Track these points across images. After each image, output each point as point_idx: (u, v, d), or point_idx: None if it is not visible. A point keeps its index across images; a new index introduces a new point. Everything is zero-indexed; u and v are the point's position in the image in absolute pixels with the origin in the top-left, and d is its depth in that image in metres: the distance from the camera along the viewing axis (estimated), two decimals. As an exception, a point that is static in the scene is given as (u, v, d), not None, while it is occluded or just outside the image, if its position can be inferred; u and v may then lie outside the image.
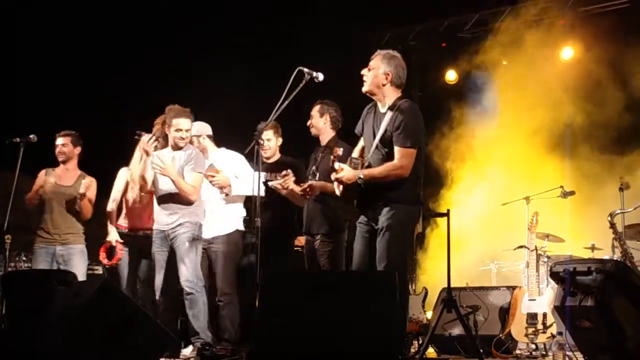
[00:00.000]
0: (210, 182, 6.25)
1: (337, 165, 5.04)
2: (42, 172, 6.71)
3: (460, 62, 10.02)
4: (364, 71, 5.20)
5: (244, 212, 6.48)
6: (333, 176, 5.07)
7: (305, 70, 5.17)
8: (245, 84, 9.26)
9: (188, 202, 6.02)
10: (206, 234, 6.26)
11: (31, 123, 6.63)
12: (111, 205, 6.49)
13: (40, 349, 4.45)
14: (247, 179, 6.13)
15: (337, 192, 5.19)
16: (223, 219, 6.35)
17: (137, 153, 6.38)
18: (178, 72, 9.65)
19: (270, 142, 6.39)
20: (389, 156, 5.01)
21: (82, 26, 9.42)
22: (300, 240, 6.59)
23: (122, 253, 6.35)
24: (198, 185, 6.06)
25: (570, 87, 9.22)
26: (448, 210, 5.56)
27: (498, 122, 9.65)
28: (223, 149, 6.55)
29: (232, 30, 9.82)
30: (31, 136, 6.26)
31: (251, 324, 5.18)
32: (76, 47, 9.36)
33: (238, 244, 6.40)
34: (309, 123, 6.24)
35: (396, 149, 4.99)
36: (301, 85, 5.15)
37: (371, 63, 5.21)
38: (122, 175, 6.56)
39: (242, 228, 6.43)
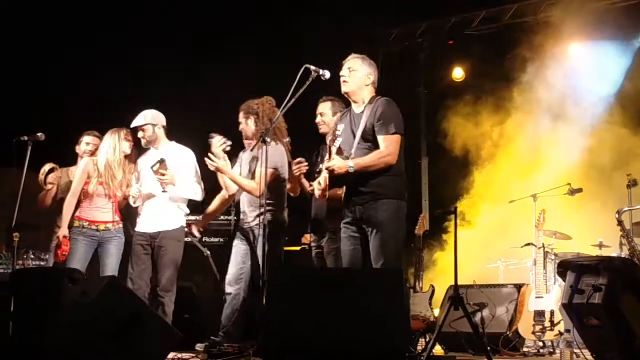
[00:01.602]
0: (159, 180, 6.14)
1: (336, 143, 5.00)
2: (58, 173, 6.76)
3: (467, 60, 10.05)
4: (345, 72, 5.22)
5: (187, 209, 6.43)
6: (324, 165, 5.07)
7: (312, 68, 5.17)
8: (252, 82, 9.25)
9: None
10: (150, 229, 6.22)
11: (37, 122, 6.62)
12: (70, 199, 6.36)
13: (48, 346, 4.47)
14: (191, 182, 6.23)
15: (317, 194, 5.20)
16: (168, 215, 6.26)
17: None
18: (182, 71, 9.67)
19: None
20: (373, 149, 5.06)
21: (86, 24, 9.47)
22: (308, 238, 6.58)
23: (67, 249, 6.26)
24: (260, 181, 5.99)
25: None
26: (455, 208, 5.56)
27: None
28: (174, 143, 6.46)
29: (237, 29, 9.83)
30: (39, 134, 6.27)
31: (258, 321, 5.19)
32: (77, 46, 9.40)
33: (182, 241, 6.35)
34: (318, 120, 6.14)
35: (381, 137, 5.04)
36: (308, 83, 5.15)
37: (351, 65, 5.24)
38: (83, 166, 6.44)
39: (185, 224, 6.37)
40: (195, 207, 6.65)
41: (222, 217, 7.71)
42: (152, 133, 6.38)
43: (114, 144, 6.37)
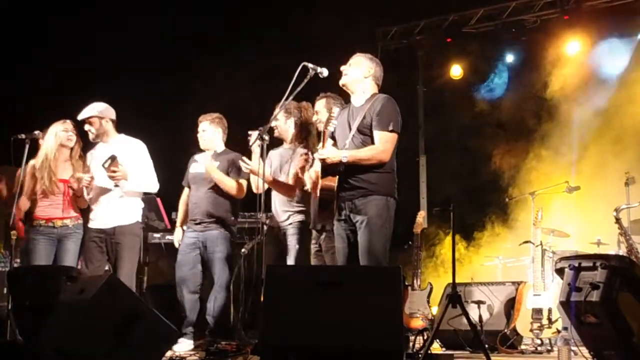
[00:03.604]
0: (111, 177, 6.07)
1: (330, 127, 4.98)
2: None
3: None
4: (344, 67, 5.21)
5: (142, 203, 6.42)
6: (317, 154, 5.05)
7: (310, 65, 5.15)
8: (250, 79, 9.26)
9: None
10: (104, 225, 6.17)
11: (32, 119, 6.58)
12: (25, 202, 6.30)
13: (47, 344, 4.47)
14: (144, 174, 6.20)
15: (308, 186, 5.19)
16: (123, 210, 6.21)
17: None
18: (182, 67, 9.67)
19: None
20: (368, 144, 5.04)
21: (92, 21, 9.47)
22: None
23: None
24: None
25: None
26: (452, 206, 5.54)
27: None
28: (123, 136, 6.40)
29: (235, 26, 9.83)
30: (36, 132, 6.24)
31: (256, 318, 5.20)
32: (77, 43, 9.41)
33: (139, 235, 6.34)
34: (315, 119, 6.11)
35: (378, 133, 5.02)
36: (305, 80, 5.14)
37: (352, 61, 5.24)
38: (28, 170, 6.32)
39: (141, 219, 6.36)
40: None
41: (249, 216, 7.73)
42: (100, 126, 6.28)
43: (53, 137, 6.24)
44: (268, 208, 6.18)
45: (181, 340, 6.14)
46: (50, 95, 8.91)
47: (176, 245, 6.63)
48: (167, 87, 9.76)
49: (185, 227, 6.62)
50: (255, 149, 5.81)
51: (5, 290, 5.84)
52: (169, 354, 5.15)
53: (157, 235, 7.77)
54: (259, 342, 4.58)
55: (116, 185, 6.13)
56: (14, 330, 5.54)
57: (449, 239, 9.17)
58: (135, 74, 9.27)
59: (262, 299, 4.52)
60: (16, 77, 9.10)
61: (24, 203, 6.25)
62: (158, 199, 7.08)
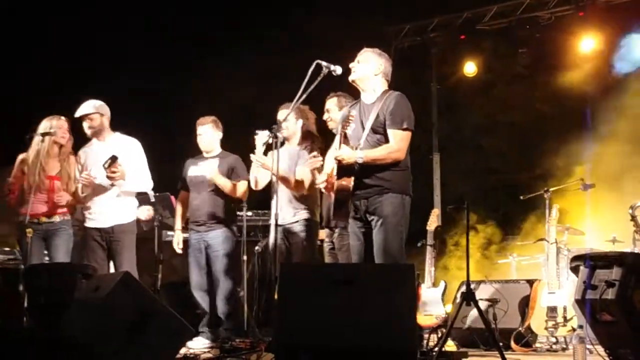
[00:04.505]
0: (110, 177, 6.09)
1: (349, 129, 4.98)
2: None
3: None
4: (353, 64, 5.19)
5: (137, 202, 6.46)
6: (333, 155, 5.04)
7: (324, 63, 5.13)
8: (263, 77, 9.27)
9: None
10: (103, 224, 6.22)
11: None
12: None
13: (62, 342, 4.49)
14: (140, 174, 6.25)
15: (322, 187, 5.19)
16: (120, 209, 6.27)
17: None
18: (192, 65, 9.69)
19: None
20: (382, 142, 5.03)
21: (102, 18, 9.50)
22: (322, 234, 6.59)
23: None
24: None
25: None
26: (466, 203, 5.53)
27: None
28: (118, 134, 6.42)
29: (249, 23, 9.84)
30: (51, 130, 6.26)
31: (269, 316, 5.22)
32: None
33: (135, 233, 6.38)
34: (326, 117, 6.13)
35: (392, 132, 5.00)
36: (319, 78, 5.12)
37: (361, 57, 5.21)
38: (17, 164, 6.36)
39: (135, 218, 6.40)
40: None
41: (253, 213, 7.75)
42: (100, 122, 6.29)
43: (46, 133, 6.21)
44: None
45: (196, 338, 6.17)
46: (50, 95, 8.94)
47: (175, 248, 6.68)
48: (167, 86, 9.80)
49: (188, 229, 6.68)
50: (260, 147, 5.83)
51: (21, 288, 5.86)
52: (183, 351, 5.16)
53: (170, 233, 7.77)
54: (272, 340, 4.59)
55: (112, 185, 6.16)
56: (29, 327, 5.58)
57: (463, 236, 9.14)
58: (134, 73, 9.30)
59: (275, 296, 4.53)
60: (16, 77, 9.13)
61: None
62: (172, 197, 7.10)
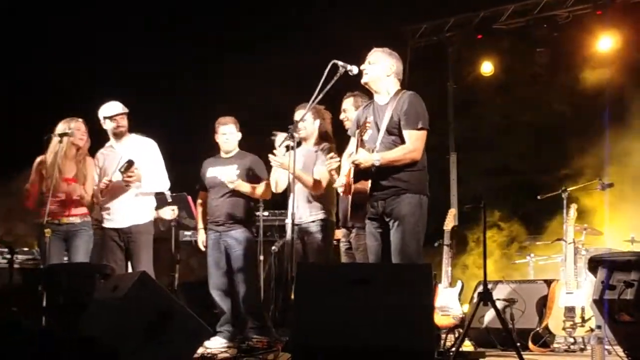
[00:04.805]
0: (127, 182, 6.17)
1: (365, 136, 4.97)
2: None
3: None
4: (365, 65, 5.17)
5: (154, 202, 6.51)
6: (350, 159, 5.04)
7: (340, 63, 5.13)
8: (281, 77, 9.28)
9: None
10: (121, 224, 6.29)
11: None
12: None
13: (80, 342, 4.52)
14: (156, 175, 6.30)
15: (340, 190, 5.19)
16: (137, 209, 6.33)
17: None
18: (211, 66, 9.73)
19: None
20: (398, 144, 5.03)
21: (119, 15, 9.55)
22: (338, 234, 6.60)
23: None
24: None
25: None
26: (483, 203, 5.52)
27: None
28: (134, 135, 6.46)
29: (266, 23, 9.86)
30: (69, 131, 6.30)
31: (286, 316, 5.23)
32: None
33: (152, 233, 6.43)
34: (342, 117, 6.14)
35: (407, 132, 5.00)
36: (335, 78, 5.13)
37: (372, 58, 5.19)
38: (35, 166, 6.37)
39: (152, 218, 6.47)
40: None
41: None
42: (126, 123, 6.35)
43: (64, 135, 6.23)
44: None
45: (214, 337, 6.20)
46: (50, 95, 9.00)
47: (201, 247, 6.70)
48: (183, 86, 9.85)
49: (207, 229, 6.70)
50: (279, 149, 5.84)
51: (40, 288, 5.91)
52: (200, 350, 5.18)
53: (187, 233, 7.83)
54: (289, 340, 4.59)
55: (127, 186, 6.21)
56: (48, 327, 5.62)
57: (479, 236, 9.11)
58: (150, 74, 9.35)
59: (292, 296, 4.53)
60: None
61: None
62: (189, 197, 7.12)
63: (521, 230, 9.22)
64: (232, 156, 6.65)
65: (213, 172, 6.62)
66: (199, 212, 6.80)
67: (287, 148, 5.68)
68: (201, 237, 6.73)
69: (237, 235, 6.50)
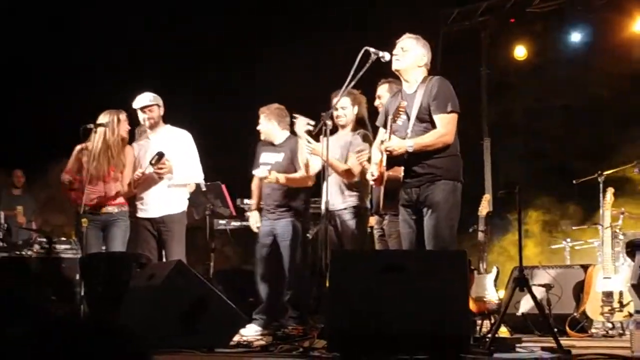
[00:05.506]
0: (158, 174, 6.17)
1: (399, 121, 4.94)
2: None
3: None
4: (397, 50, 5.12)
5: (187, 193, 6.50)
6: (382, 146, 5.00)
7: (372, 50, 5.10)
8: (311, 64, 9.28)
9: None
10: (154, 214, 6.31)
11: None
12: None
13: (118, 330, 4.58)
14: (190, 166, 6.29)
15: (371, 181, 5.16)
16: (170, 199, 6.33)
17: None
18: (243, 56, 9.76)
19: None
20: (430, 130, 4.99)
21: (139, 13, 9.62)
22: (371, 221, 6.59)
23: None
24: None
25: None
26: (518, 187, 5.46)
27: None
28: (169, 126, 6.46)
29: (296, 10, 9.87)
30: (105, 122, 6.33)
31: (321, 303, 5.23)
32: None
33: (185, 223, 6.43)
34: (377, 103, 6.09)
35: (438, 117, 4.96)
36: (367, 65, 5.11)
37: (404, 45, 5.13)
38: (75, 153, 6.40)
39: (185, 208, 6.45)
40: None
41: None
42: (158, 114, 6.36)
43: (113, 126, 6.25)
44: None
45: (249, 325, 6.23)
46: (105, 87, 9.08)
47: (254, 228, 6.70)
48: (216, 76, 9.89)
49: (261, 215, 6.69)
50: (301, 134, 5.86)
51: (77, 277, 5.99)
52: (236, 338, 5.22)
53: (222, 221, 7.86)
54: (324, 327, 4.60)
55: (160, 178, 6.24)
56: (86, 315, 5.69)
57: (515, 222, 9.05)
58: (182, 65, 9.40)
59: (327, 283, 4.54)
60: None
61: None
62: (223, 186, 7.14)
63: (557, 215, 9.14)
64: (282, 142, 6.60)
65: (264, 158, 6.61)
66: (254, 194, 6.77)
67: (309, 133, 5.66)
68: (254, 217, 6.70)
69: (286, 224, 6.46)
